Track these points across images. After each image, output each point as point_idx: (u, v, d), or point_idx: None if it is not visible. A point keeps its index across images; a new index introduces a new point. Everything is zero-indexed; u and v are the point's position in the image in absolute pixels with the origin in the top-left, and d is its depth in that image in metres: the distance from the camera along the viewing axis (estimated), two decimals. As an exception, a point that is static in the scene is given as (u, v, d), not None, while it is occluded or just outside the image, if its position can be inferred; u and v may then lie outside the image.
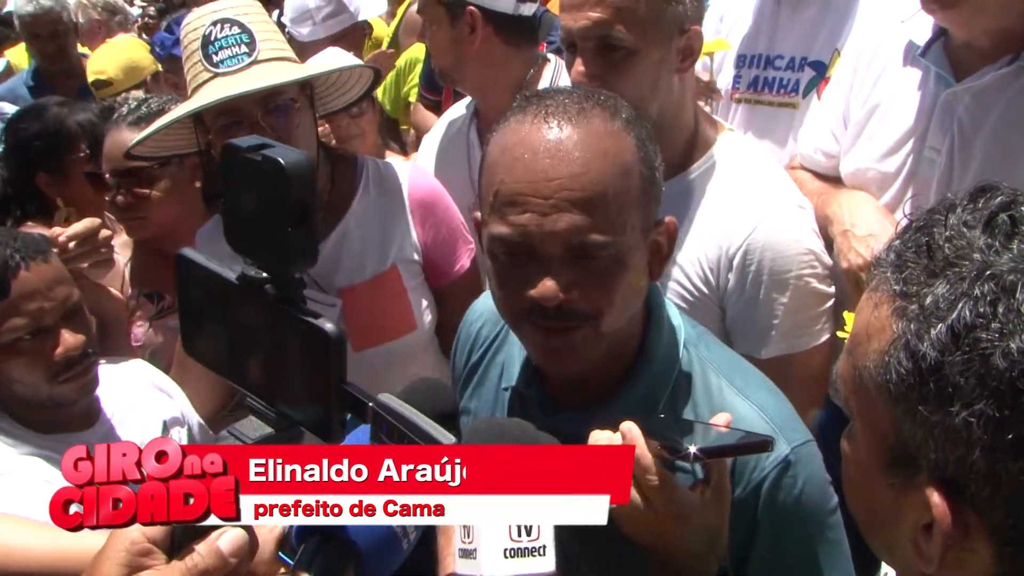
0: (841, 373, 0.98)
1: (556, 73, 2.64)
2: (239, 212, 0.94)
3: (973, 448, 0.82)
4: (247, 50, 2.05)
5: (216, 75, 2.04)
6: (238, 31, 2.06)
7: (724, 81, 2.71)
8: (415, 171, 2.41)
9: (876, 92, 2.20)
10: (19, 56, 6.80)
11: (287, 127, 2.06)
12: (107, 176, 2.61)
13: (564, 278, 1.32)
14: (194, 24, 2.09)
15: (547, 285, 1.31)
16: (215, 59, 2.04)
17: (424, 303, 2.30)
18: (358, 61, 2.98)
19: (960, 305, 0.82)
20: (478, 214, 1.47)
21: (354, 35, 4.15)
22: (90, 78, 4.24)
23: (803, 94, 2.55)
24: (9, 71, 6.23)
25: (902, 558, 0.94)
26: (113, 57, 4.20)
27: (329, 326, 0.90)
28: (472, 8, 2.51)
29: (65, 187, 2.90)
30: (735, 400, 1.44)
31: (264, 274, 0.92)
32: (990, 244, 0.86)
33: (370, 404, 0.89)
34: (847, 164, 2.24)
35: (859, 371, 0.93)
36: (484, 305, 1.72)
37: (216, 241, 2.21)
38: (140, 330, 2.73)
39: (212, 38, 2.04)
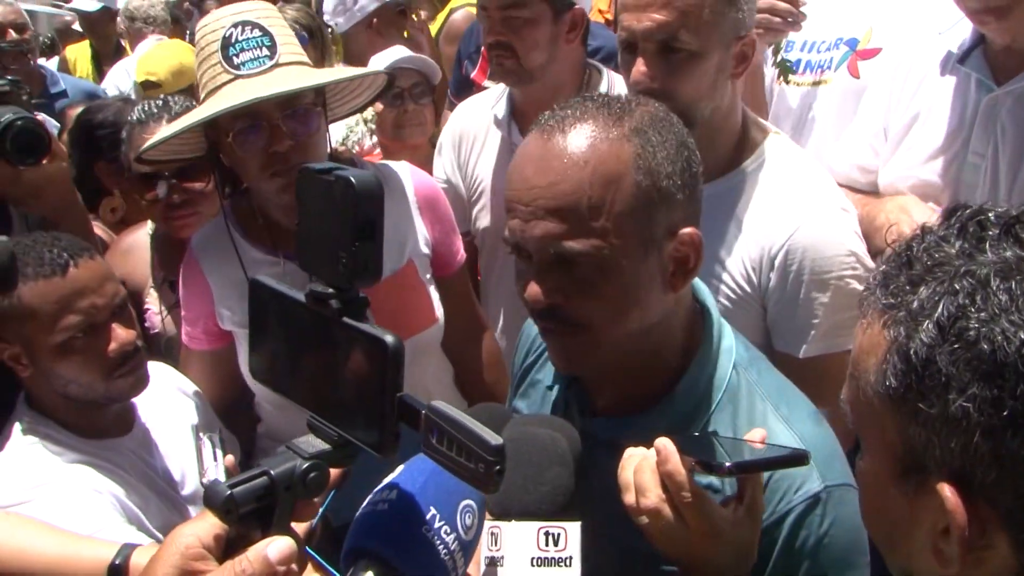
0: (847, 400, 1.01)
1: (610, 86, 2.64)
2: (311, 232, 0.96)
3: (973, 432, 0.85)
4: (268, 53, 2.02)
5: (237, 77, 2.01)
6: (259, 34, 2.03)
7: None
8: (415, 170, 2.43)
9: (915, 102, 2.20)
10: (79, 52, 6.73)
11: (306, 131, 2.04)
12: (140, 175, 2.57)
13: (548, 283, 1.36)
14: (212, 26, 2.05)
15: (531, 288, 1.37)
16: (235, 61, 2.01)
17: (436, 296, 2.34)
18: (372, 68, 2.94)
19: (943, 302, 0.88)
20: None
21: (387, 16, 4.03)
22: (140, 78, 4.27)
23: (835, 69, 2.61)
24: (64, 68, 6.23)
25: (924, 570, 0.96)
26: (164, 59, 4.20)
27: (389, 336, 0.90)
28: (579, 7, 2.51)
29: (122, 178, 2.91)
30: (777, 426, 1.42)
31: (330, 289, 0.94)
32: (964, 249, 0.92)
33: (423, 412, 0.89)
34: (886, 174, 2.25)
35: (861, 390, 0.96)
36: None
37: (210, 248, 2.23)
38: (156, 318, 2.74)
39: (233, 40, 2.01)
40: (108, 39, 5.86)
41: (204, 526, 0.93)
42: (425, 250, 2.33)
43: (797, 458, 1.26)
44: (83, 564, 1.63)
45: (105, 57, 5.61)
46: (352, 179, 0.90)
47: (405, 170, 2.39)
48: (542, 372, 1.66)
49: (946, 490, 0.88)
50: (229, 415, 2.41)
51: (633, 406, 1.47)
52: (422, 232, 2.33)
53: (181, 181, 2.56)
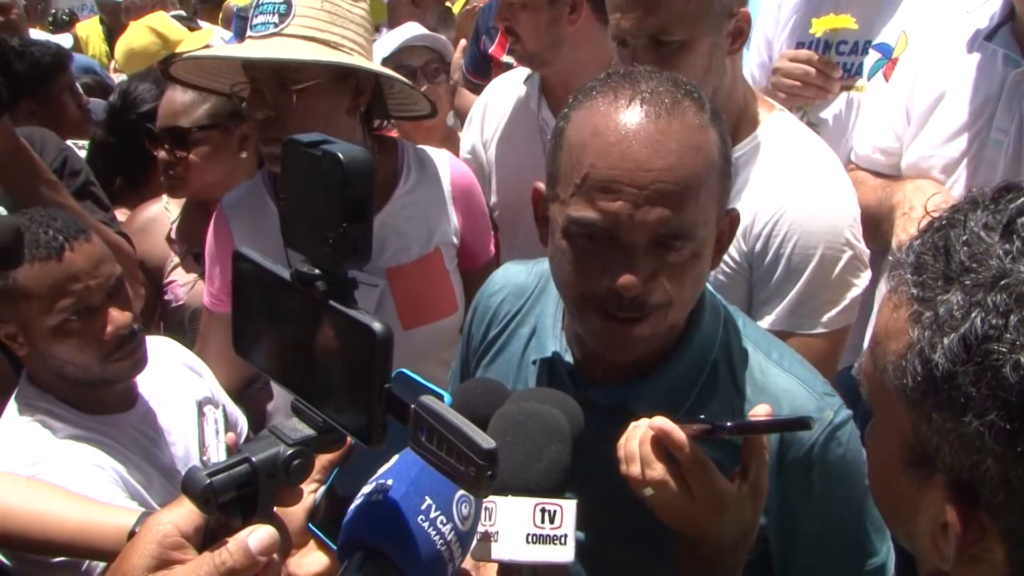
0: (864, 370, 0.99)
1: None
2: (297, 207, 0.91)
3: (985, 456, 0.83)
4: (277, 20, 2.01)
5: (248, 37, 2.06)
6: (280, 1, 2.03)
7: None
8: (454, 160, 2.41)
9: (941, 81, 2.15)
10: (91, 29, 6.81)
11: (295, 108, 1.98)
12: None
13: (645, 270, 1.30)
14: None
15: (629, 278, 1.29)
16: (253, 21, 2.05)
17: (459, 287, 2.32)
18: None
19: (973, 315, 0.83)
20: (541, 185, 1.44)
21: None
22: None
23: (868, 77, 2.52)
24: (77, 47, 6.25)
25: (923, 551, 0.95)
26: (122, 41, 4.23)
27: (377, 324, 0.84)
28: None
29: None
30: (777, 373, 1.44)
31: (317, 271, 0.89)
32: (1008, 251, 0.85)
33: (412, 406, 0.84)
34: (910, 154, 2.20)
35: (879, 371, 0.93)
36: (504, 279, 1.70)
37: (241, 207, 2.22)
38: (182, 290, 2.73)
39: (261, 1, 2.05)
40: (119, 15, 5.88)
41: (183, 513, 0.89)
42: (454, 240, 2.32)
43: (800, 421, 1.26)
44: (102, 531, 1.62)
45: (117, 34, 5.59)
46: (340, 155, 0.83)
47: (444, 159, 2.36)
48: (512, 343, 1.62)
49: (949, 502, 0.87)
50: (245, 388, 2.40)
51: (632, 372, 1.45)
52: (453, 222, 2.31)
53: (174, 145, 2.64)
